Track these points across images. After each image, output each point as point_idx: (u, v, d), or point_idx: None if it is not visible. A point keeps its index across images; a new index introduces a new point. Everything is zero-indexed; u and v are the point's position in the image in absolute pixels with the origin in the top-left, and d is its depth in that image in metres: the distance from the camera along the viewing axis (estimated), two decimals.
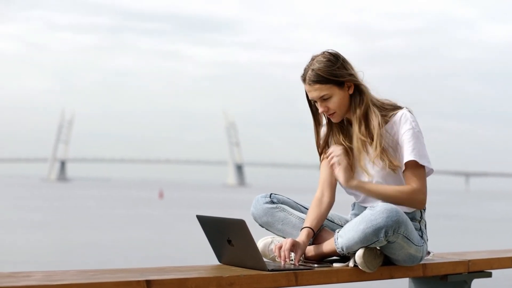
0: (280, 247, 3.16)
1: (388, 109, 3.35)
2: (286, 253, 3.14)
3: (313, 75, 3.27)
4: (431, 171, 3.38)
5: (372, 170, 3.33)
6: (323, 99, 3.30)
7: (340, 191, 3.48)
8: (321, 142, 3.47)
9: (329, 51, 3.31)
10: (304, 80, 3.32)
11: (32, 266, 9.97)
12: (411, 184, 3.29)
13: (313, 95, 3.30)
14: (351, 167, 3.38)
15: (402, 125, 3.31)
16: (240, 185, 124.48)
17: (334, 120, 3.36)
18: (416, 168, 3.30)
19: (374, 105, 3.34)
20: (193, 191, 71.39)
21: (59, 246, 13.64)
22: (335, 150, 3.32)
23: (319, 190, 3.43)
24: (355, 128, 3.32)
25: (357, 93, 3.32)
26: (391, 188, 3.29)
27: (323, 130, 3.46)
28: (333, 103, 3.30)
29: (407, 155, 3.29)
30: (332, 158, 3.31)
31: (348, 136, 3.41)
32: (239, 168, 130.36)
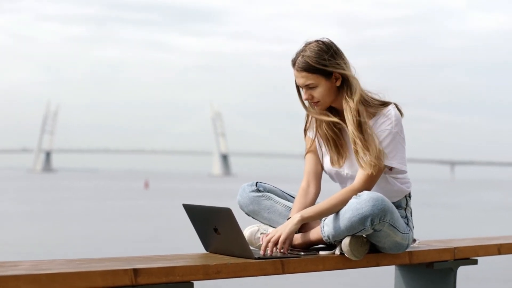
0: (269, 240, 3.13)
1: (375, 105, 3.32)
2: (270, 245, 3.11)
3: (302, 62, 3.27)
4: (403, 171, 3.37)
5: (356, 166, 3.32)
6: (309, 87, 3.30)
7: (326, 180, 3.48)
8: (308, 125, 3.47)
9: (323, 40, 3.30)
10: (293, 65, 3.32)
11: (20, 256, 9.93)
12: (354, 183, 3.26)
13: (299, 81, 3.31)
14: (342, 146, 3.38)
15: (381, 124, 3.29)
16: (226, 175, 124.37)
17: (318, 108, 3.36)
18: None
19: (363, 99, 3.29)
20: (179, 181, 71.24)
21: (47, 237, 13.61)
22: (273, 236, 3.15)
23: (305, 181, 3.42)
24: (349, 126, 3.26)
25: (346, 86, 3.29)
26: (333, 198, 3.22)
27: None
28: (318, 93, 3.29)
29: None
30: (280, 246, 3.13)
31: (337, 116, 3.38)
32: (225, 158, 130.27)
